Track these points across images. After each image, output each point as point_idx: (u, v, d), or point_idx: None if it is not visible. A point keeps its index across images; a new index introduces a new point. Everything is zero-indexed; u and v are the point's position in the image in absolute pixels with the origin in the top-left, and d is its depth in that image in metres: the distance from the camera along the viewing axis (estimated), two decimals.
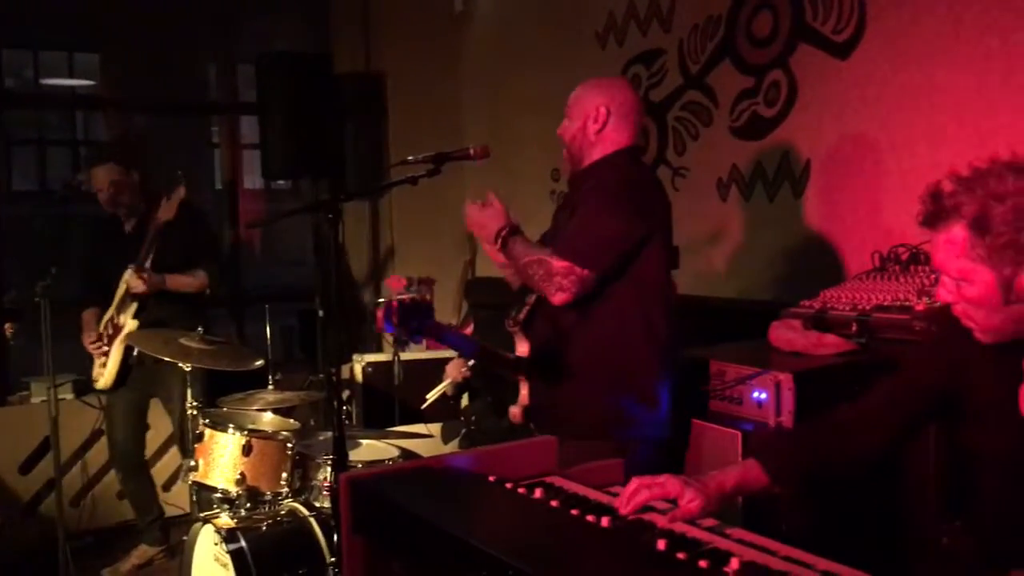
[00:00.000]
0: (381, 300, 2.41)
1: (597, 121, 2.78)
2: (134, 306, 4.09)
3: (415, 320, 2.38)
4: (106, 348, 4.17)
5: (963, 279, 1.73)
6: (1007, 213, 1.65)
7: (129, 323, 4.10)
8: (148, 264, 4.04)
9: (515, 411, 2.82)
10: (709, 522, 1.83)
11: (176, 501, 4.71)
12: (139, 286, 4.02)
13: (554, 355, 2.71)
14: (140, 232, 4.16)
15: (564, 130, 2.85)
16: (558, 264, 2.57)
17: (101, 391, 4.34)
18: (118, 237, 4.27)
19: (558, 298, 2.59)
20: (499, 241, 2.69)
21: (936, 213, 1.74)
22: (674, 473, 1.91)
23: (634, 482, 1.87)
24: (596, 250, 2.60)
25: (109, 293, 4.20)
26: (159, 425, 4.74)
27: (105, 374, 4.19)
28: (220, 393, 3.89)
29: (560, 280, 2.57)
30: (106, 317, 4.22)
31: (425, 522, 1.75)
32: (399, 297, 2.37)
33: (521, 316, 2.80)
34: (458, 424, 4.20)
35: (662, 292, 2.76)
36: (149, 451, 4.82)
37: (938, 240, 1.75)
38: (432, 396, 3.73)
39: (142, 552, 4.41)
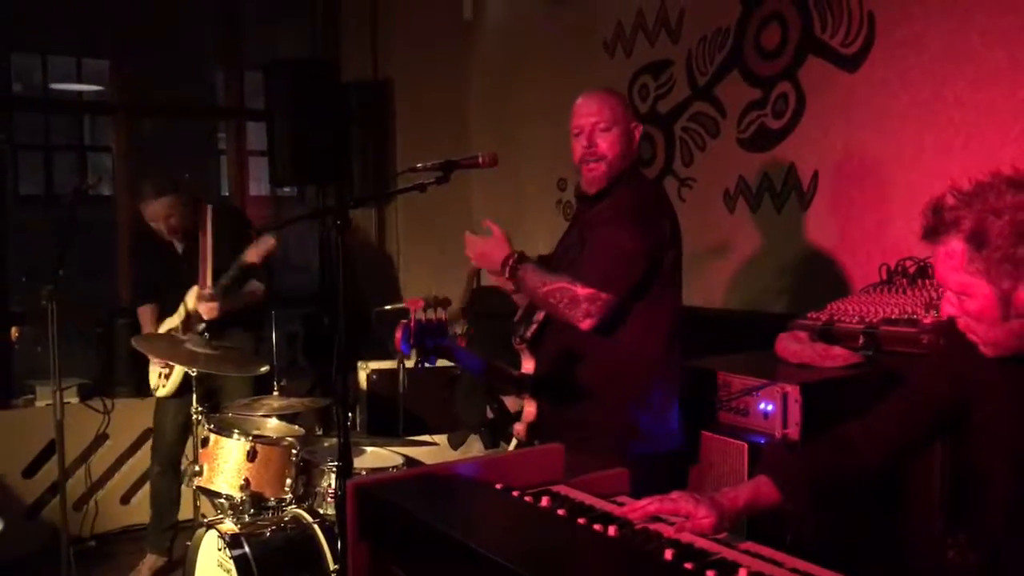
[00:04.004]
0: (402, 319, 2.41)
1: (635, 139, 2.77)
2: (201, 324, 4.10)
3: (431, 340, 2.39)
4: (172, 362, 4.16)
5: (963, 293, 1.75)
6: (1004, 228, 1.66)
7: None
8: (210, 286, 4.08)
9: (519, 428, 2.81)
10: None
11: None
12: (212, 312, 4.05)
13: (564, 372, 2.70)
14: (192, 251, 4.19)
15: (600, 141, 2.70)
16: (583, 291, 2.54)
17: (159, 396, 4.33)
18: (171, 256, 4.28)
19: (586, 324, 2.56)
20: (506, 270, 2.65)
21: (936, 227, 1.75)
22: (680, 485, 1.91)
23: (647, 499, 1.87)
24: (619, 273, 2.57)
25: (162, 303, 4.28)
26: None
27: (168, 385, 4.20)
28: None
29: (587, 307, 2.54)
30: (166, 327, 4.23)
31: (432, 529, 1.75)
32: (416, 318, 2.37)
33: (529, 334, 2.79)
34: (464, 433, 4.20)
35: (673, 305, 2.75)
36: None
37: (939, 253, 1.77)
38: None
39: (152, 562, 4.38)
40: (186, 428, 4.35)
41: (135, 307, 4.43)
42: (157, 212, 4.12)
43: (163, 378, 4.23)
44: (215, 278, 4.08)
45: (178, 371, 4.15)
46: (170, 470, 4.41)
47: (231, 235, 4.19)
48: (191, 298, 4.15)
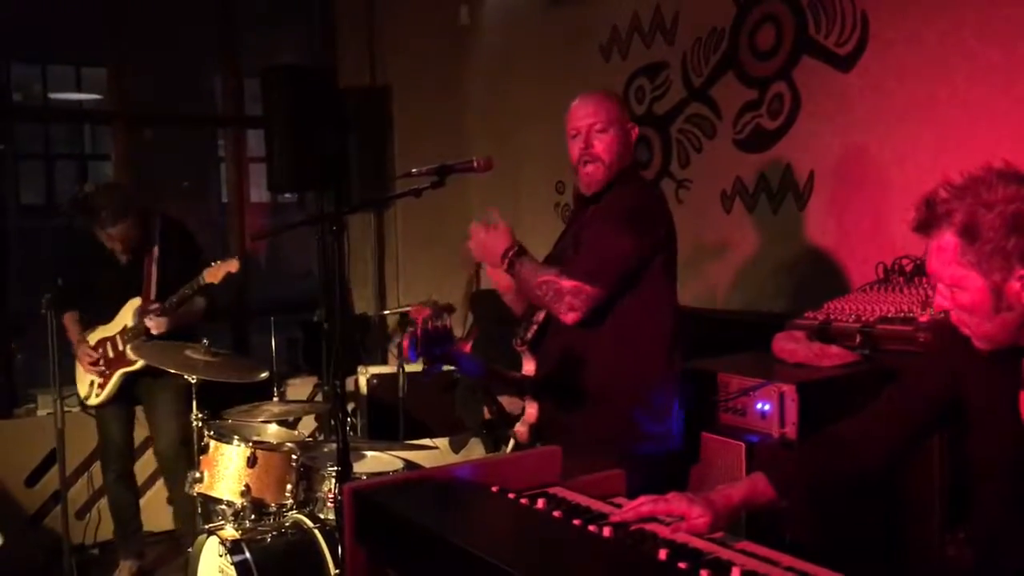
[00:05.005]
0: (409, 328, 2.43)
1: (632, 139, 2.78)
2: (141, 337, 4.09)
3: (437, 348, 2.42)
4: (107, 371, 4.17)
5: (955, 285, 1.76)
6: (995, 220, 1.68)
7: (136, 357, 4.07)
8: (155, 300, 4.07)
9: (521, 430, 2.81)
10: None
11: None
12: (161, 328, 4.03)
13: (565, 373, 2.71)
14: (136, 264, 4.18)
15: (597, 143, 2.71)
16: (567, 283, 2.55)
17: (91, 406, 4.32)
18: (112, 265, 4.21)
19: (570, 317, 2.58)
20: (506, 262, 2.65)
21: (928, 220, 1.77)
22: (680, 485, 1.91)
23: (641, 499, 1.88)
24: (605, 268, 2.59)
25: (92, 310, 4.24)
26: None
27: (103, 395, 4.19)
28: (216, 405, 3.87)
29: (571, 300, 2.56)
30: (99, 336, 4.20)
31: (428, 532, 1.76)
32: (423, 327, 2.39)
33: (528, 335, 2.80)
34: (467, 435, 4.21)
35: (671, 306, 2.75)
36: (151, 466, 4.83)
37: (931, 247, 1.78)
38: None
39: (129, 568, 4.37)
40: (130, 428, 4.37)
41: (59, 314, 4.19)
42: (113, 235, 4.06)
43: (97, 387, 4.20)
44: (164, 294, 4.07)
45: (114, 384, 4.15)
46: (125, 476, 4.40)
47: (181, 252, 4.19)
48: (130, 311, 4.13)
